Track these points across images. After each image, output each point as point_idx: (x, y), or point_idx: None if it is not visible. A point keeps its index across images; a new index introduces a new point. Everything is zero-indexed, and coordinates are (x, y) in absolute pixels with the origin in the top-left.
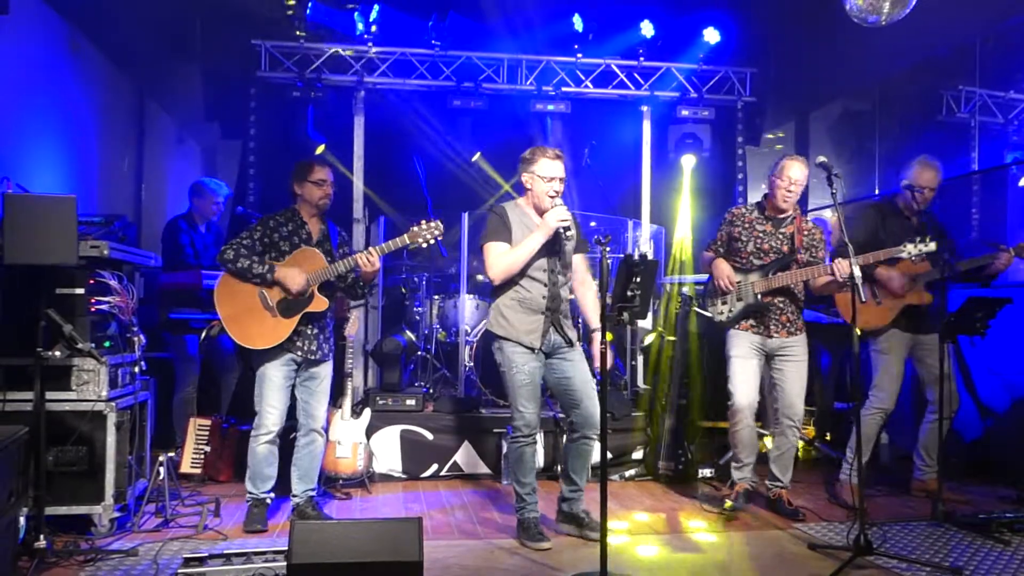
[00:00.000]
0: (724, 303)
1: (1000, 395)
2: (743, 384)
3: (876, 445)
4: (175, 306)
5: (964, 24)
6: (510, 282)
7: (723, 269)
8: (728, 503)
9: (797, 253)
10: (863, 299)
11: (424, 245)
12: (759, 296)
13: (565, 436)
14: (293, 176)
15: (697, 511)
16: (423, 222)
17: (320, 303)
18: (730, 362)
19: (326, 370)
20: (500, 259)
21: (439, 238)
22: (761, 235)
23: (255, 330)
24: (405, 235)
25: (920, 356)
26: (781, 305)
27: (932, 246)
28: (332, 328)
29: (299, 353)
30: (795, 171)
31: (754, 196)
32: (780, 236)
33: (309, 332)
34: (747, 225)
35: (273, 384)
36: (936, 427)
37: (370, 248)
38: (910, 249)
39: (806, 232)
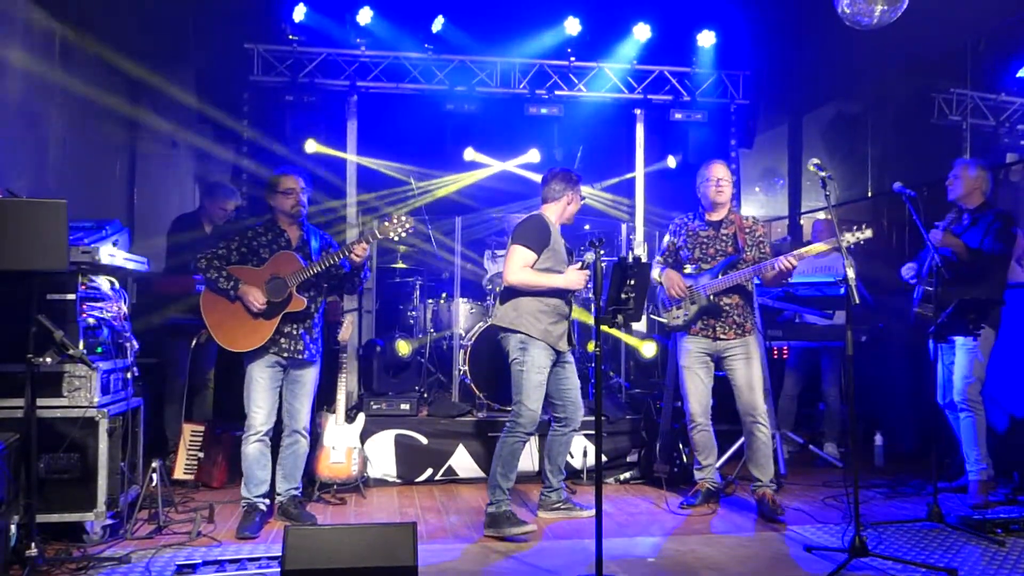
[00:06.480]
0: (679, 307)
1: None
2: (695, 394)
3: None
4: (171, 311)
5: (955, 27)
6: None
7: (673, 279)
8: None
9: (743, 253)
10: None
11: (395, 239)
12: (711, 297)
13: (551, 432)
14: (266, 190)
15: (692, 513)
16: (394, 216)
17: (297, 303)
18: (680, 372)
19: (311, 374)
20: (522, 272)
21: (410, 231)
22: (705, 241)
23: (239, 332)
24: (376, 229)
25: None
26: (728, 308)
27: (868, 233)
28: (321, 329)
29: (284, 354)
30: (719, 169)
31: (747, 198)
32: (723, 238)
33: (293, 332)
34: (690, 233)
35: (259, 385)
36: None
37: (355, 242)
38: (848, 238)
39: (747, 229)
